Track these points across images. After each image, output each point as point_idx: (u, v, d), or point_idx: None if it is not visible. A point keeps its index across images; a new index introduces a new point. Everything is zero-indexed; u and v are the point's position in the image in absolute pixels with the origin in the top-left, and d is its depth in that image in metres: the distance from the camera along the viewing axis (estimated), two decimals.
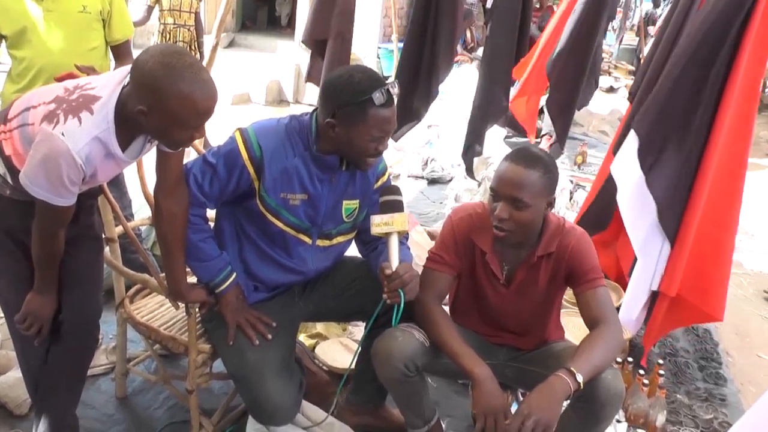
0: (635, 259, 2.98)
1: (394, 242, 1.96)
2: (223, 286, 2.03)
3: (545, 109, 7.22)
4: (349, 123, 1.91)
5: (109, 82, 1.76)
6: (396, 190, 2.02)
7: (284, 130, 2.01)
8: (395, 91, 1.93)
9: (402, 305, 1.93)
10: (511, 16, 4.21)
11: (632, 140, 2.87)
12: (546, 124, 7.22)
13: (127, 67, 1.75)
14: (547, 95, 5.89)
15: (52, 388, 2.08)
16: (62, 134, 1.65)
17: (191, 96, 1.64)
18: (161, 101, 1.64)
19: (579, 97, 5.35)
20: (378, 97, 1.87)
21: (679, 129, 2.76)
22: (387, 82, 1.93)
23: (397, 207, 1.97)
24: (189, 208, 1.99)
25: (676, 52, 2.84)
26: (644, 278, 2.90)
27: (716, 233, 2.81)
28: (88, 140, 1.68)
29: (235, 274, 2.06)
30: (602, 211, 3.48)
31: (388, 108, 1.91)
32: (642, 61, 4.01)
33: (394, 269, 1.93)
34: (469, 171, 4.39)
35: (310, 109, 2.07)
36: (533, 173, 1.93)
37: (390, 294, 1.93)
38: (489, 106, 4.22)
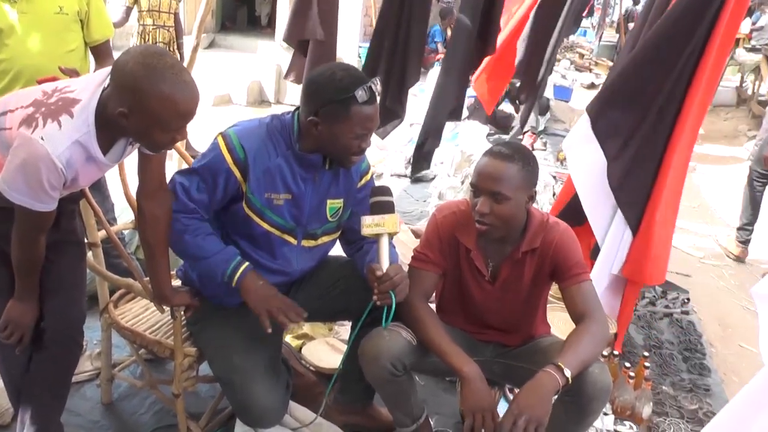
0: (596, 244, 3.02)
1: (384, 244, 1.96)
2: (236, 276, 1.97)
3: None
4: (332, 121, 1.90)
5: (89, 85, 1.74)
6: (387, 191, 2.01)
7: (266, 130, 2.01)
8: (378, 88, 1.93)
9: (393, 306, 1.93)
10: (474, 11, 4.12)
11: (584, 121, 2.90)
12: (526, 119, 7.27)
13: (107, 69, 1.73)
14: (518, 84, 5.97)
15: (35, 397, 2.04)
16: (41, 138, 1.63)
17: (172, 97, 1.63)
18: (142, 103, 1.62)
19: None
20: (361, 94, 1.87)
21: (642, 119, 2.79)
22: (369, 79, 1.93)
23: (388, 208, 1.97)
24: (180, 214, 1.97)
25: (643, 43, 2.87)
26: (605, 263, 2.94)
27: (668, 215, 2.91)
28: (68, 144, 1.66)
29: (246, 264, 1.99)
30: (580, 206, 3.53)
31: (371, 105, 1.91)
32: None
33: (384, 271, 1.92)
34: (417, 167, 4.23)
35: (291, 109, 2.06)
36: (512, 166, 1.94)
37: (380, 296, 1.93)
38: (441, 101, 4.12)
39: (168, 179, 2.01)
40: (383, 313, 1.96)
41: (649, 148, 2.81)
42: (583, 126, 2.91)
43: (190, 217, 1.98)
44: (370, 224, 1.95)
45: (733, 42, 2.75)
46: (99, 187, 2.86)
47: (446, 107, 4.21)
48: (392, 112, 4.31)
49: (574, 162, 2.98)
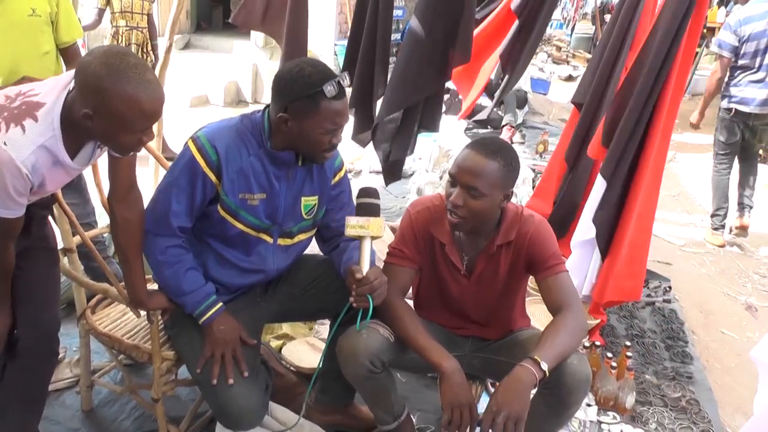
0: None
1: (366, 246, 1.94)
2: (204, 318, 1.99)
3: (504, 100, 7.30)
4: (302, 116, 1.89)
5: (54, 88, 1.71)
6: (374, 193, 2.00)
7: (237, 130, 1.99)
8: (346, 83, 1.93)
9: (371, 310, 1.91)
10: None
11: (600, 186, 2.93)
12: (506, 115, 7.29)
13: (72, 72, 1.71)
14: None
15: (10, 408, 2.01)
16: (5, 144, 1.60)
17: (136, 97, 1.60)
18: (106, 103, 1.59)
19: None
20: (329, 89, 1.86)
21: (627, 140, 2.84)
22: (338, 74, 1.92)
23: (373, 211, 1.96)
24: (162, 239, 1.97)
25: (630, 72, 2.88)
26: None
27: (639, 238, 2.94)
28: (33, 149, 1.63)
29: (218, 305, 2.01)
30: (563, 217, 3.54)
31: (340, 100, 1.90)
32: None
33: (364, 274, 1.91)
34: (388, 179, 4.08)
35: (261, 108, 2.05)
36: (492, 164, 1.93)
37: (357, 298, 1.92)
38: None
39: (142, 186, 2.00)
40: (359, 314, 1.95)
41: (618, 174, 2.88)
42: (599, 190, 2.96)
43: (173, 246, 1.98)
44: (354, 225, 1.93)
45: (696, 43, 2.77)
46: (80, 191, 2.84)
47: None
48: (369, 118, 4.21)
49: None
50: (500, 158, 1.95)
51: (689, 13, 2.62)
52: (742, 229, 5.06)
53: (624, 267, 2.90)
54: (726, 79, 4.81)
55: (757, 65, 4.63)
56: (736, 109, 4.75)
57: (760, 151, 5.30)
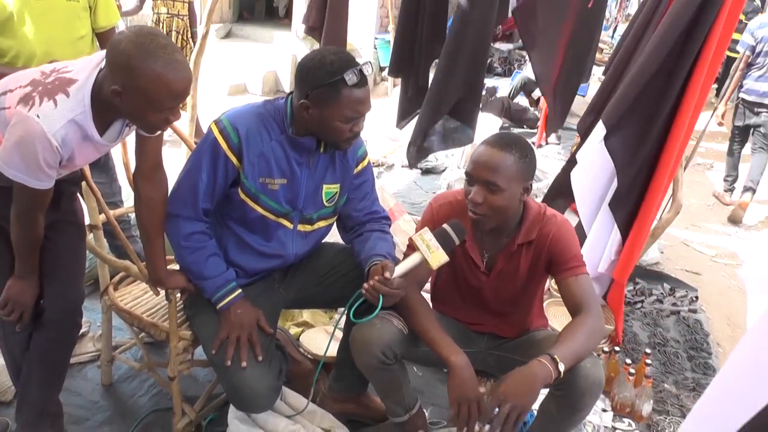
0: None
1: (414, 261, 1.94)
2: (222, 303, 2.02)
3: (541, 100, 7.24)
4: (323, 104, 1.91)
5: (86, 66, 1.76)
6: (461, 233, 1.95)
7: (259, 114, 2.01)
8: (368, 71, 1.93)
9: (377, 311, 1.90)
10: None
11: (599, 130, 2.84)
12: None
13: (104, 51, 1.75)
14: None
15: (34, 375, 2.08)
16: (37, 116, 1.65)
17: (164, 76, 1.64)
18: (134, 81, 1.64)
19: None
20: (350, 77, 1.87)
21: (644, 121, 2.76)
22: (360, 63, 1.93)
23: (448, 245, 1.92)
24: (185, 222, 2.01)
25: (647, 46, 2.81)
26: (591, 261, 2.90)
27: (651, 216, 2.91)
28: (63, 123, 1.68)
29: (237, 292, 2.04)
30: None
31: (361, 88, 1.91)
32: None
33: (392, 277, 1.91)
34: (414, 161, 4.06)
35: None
36: (508, 157, 1.92)
37: (371, 290, 1.91)
38: (441, 102, 3.65)
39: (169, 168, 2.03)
40: (356, 304, 1.95)
41: (642, 151, 2.80)
42: (597, 136, 2.86)
43: (194, 233, 2.01)
44: (424, 239, 1.91)
45: (728, 44, 2.73)
46: (107, 170, 2.89)
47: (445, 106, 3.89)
48: (414, 103, 4.23)
49: (582, 166, 2.93)
50: (515, 151, 1.93)
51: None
52: (742, 207, 5.70)
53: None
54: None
55: (764, 64, 5.58)
56: (744, 99, 5.74)
57: None
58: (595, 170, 2.86)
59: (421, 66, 4.17)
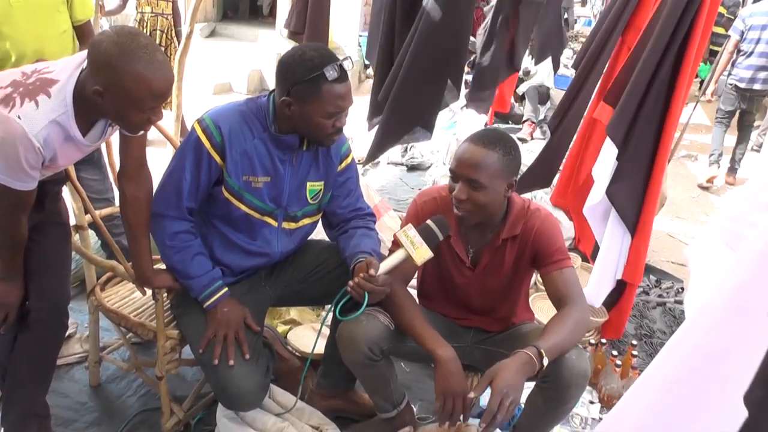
0: (596, 245, 3.01)
1: (398, 257, 1.94)
2: (208, 302, 2.03)
3: (526, 96, 7.27)
4: (304, 100, 1.91)
5: (68, 66, 1.75)
6: (445, 229, 1.96)
7: (241, 112, 2.01)
8: (349, 66, 1.93)
9: (362, 308, 1.91)
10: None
11: (610, 148, 2.86)
12: (527, 109, 7.26)
13: (86, 51, 1.74)
14: None
15: (20, 377, 2.07)
16: (18, 117, 1.65)
17: (146, 76, 1.64)
18: (116, 81, 1.64)
19: None
20: (330, 72, 1.87)
21: (642, 124, 2.78)
22: (340, 58, 1.93)
23: (432, 241, 1.93)
24: (170, 222, 2.00)
25: (643, 55, 2.82)
26: (609, 267, 2.92)
27: (654, 213, 2.92)
28: (45, 123, 1.68)
29: (224, 290, 2.04)
30: (545, 166, 3.56)
31: (342, 83, 1.91)
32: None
33: (377, 274, 1.91)
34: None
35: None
36: (491, 154, 1.92)
37: (356, 287, 1.91)
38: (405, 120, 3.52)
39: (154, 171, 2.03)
40: (343, 301, 1.95)
41: (641, 150, 2.80)
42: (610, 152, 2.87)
43: (182, 232, 2.01)
44: (409, 236, 1.92)
45: (707, 43, 2.77)
46: (99, 167, 2.90)
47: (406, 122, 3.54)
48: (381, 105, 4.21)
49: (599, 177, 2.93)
50: (499, 148, 1.94)
51: None
52: (730, 184, 6.42)
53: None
54: (733, 60, 6.14)
55: (751, 51, 5.94)
56: (735, 85, 6.11)
57: (755, 122, 6.76)
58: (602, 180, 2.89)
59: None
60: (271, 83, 8.77)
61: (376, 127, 3.45)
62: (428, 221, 1.96)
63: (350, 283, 1.92)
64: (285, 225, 2.13)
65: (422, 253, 1.91)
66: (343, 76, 1.91)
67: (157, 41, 5.48)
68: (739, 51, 6.05)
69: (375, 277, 1.90)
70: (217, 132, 1.96)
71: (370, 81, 8.47)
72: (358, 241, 2.13)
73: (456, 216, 2.01)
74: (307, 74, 1.88)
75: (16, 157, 1.67)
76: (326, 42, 3.91)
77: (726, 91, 6.25)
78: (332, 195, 2.20)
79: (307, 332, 2.77)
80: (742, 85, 6.04)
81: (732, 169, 6.45)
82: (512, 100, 7.55)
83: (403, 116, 3.40)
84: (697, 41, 2.63)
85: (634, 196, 2.84)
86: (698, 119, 6.41)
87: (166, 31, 5.60)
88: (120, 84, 1.64)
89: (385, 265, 1.94)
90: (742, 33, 5.97)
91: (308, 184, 2.11)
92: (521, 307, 2.26)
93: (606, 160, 2.87)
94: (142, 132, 1.93)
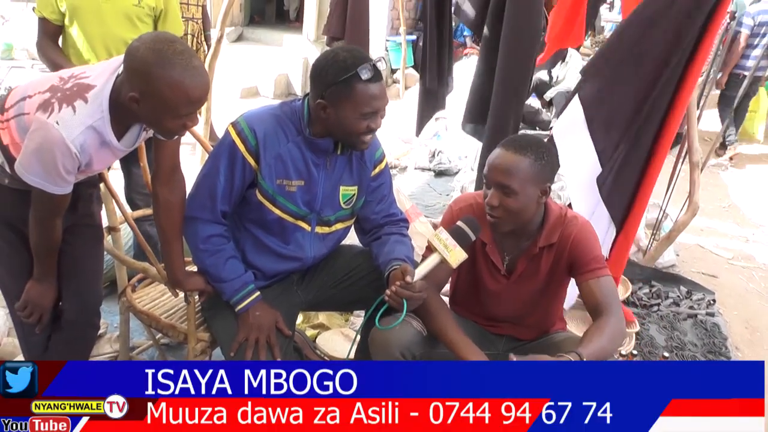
0: None
1: (433, 262, 1.92)
2: (240, 306, 2.02)
3: (553, 101, 7.21)
4: (338, 102, 1.90)
5: (104, 71, 1.76)
6: (477, 229, 1.95)
7: (276, 116, 2.01)
8: (382, 66, 1.93)
9: (402, 315, 1.89)
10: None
11: (576, 107, 2.78)
12: (554, 115, 7.19)
13: (122, 57, 1.75)
14: None
15: None
16: (56, 123, 1.66)
17: (181, 82, 1.64)
18: (152, 87, 1.64)
19: None
20: (364, 72, 1.87)
21: (634, 117, 2.72)
22: (373, 58, 1.93)
23: (465, 241, 1.92)
24: (203, 225, 2.01)
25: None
26: None
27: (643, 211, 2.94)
28: (82, 129, 1.68)
29: (256, 294, 2.04)
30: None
31: (376, 83, 1.90)
32: None
33: (414, 281, 1.89)
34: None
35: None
36: (523, 160, 1.91)
37: (393, 296, 1.89)
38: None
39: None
40: (381, 311, 1.93)
41: (637, 147, 2.76)
42: (575, 113, 2.79)
43: (215, 236, 2.01)
44: (441, 239, 1.90)
45: (712, 43, 2.75)
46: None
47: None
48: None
49: (564, 149, 2.81)
50: (531, 153, 1.92)
51: None
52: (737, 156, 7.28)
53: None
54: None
55: (757, 44, 6.76)
56: (742, 74, 6.87)
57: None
58: (578, 152, 2.80)
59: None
60: (298, 87, 8.84)
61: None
62: (458, 222, 1.95)
63: (387, 292, 1.90)
64: (318, 229, 2.12)
65: (456, 255, 1.89)
66: (377, 75, 1.90)
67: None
68: (748, 45, 6.82)
69: (412, 284, 1.88)
70: (252, 136, 1.96)
71: (397, 86, 8.51)
72: (391, 247, 2.11)
73: (489, 223, 1.99)
74: (340, 75, 1.87)
75: (53, 163, 1.68)
76: (367, 46, 3.90)
77: (733, 80, 7.03)
78: (365, 200, 2.19)
79: (335, 337, 2.76)
80: (746, 72, 6.84)
81: (723, 145, 7.26)
82: (539, 105, 7.51)
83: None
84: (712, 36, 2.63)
85: (625, 190, 2.81)
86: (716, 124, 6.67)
87: (195, 35, 5.64)
88: (156, 91, 1.64)
89: (420, 271, 1.92)
90: (752, 28, 6.76)
91: (341, 188, 2.10)
92: (555, 315, 2.23)
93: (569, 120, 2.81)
94: (175, 137, 1.93)
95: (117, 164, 2.74)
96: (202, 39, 5.70)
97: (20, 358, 2.42)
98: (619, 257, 2.88)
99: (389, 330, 1.96)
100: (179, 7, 3.01)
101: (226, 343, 2.03)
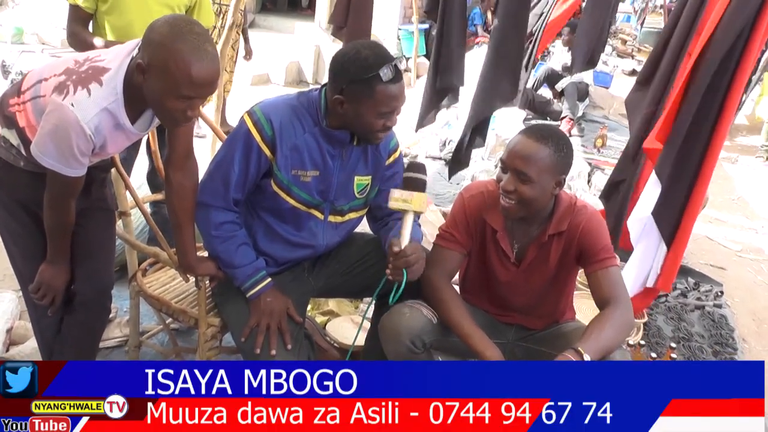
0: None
1: (408, 221, 1.95)
2: (252, 292, 2.03)
3: (565, 92, 7.19)
4: (357, 99, 1.90)
5: (119, 55, 1.77)
6: (421, 168, 1.99)
7: (292, 107, 2.01)
8: (403, 66, 1.92)
9: (403, 284, 1.92)
10: None
11: (654, 183, 2.80)
12: (565, 106, 7.18)
13: (137, 40, 1.76)
14: None
15: (65, 357, 2.11)
16: (72, 105, 1.67)
17: (188, 60, 1.64)
18: (159, 58, 1.65)
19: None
20: (385, 72, 1.86)
21: (691, 133, 2.69)
22: (395, 57, 1.92)
23: (419, 186, 1.95)
24: (216, 212, 2.01)
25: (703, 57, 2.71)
26: (640, 277, 2.87)
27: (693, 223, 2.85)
28: (97, 111, 1.70)
29: (267, 281, 2.05)
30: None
31: (396, 84, 1.90)
32: None
33: (402, 247, 1.92)
34: (455, 167, 4.11)
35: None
36: (543, 149, 1.91)
37: (393, 271, 1.93)
38: (493, 95, 3.70)
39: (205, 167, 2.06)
40: (393, 289, 1.95)
41: (687, 159, 2.72)
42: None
43: (227, 222, 2.02)
44: (397, 198, 1.94)
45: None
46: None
47: (495, 99, 3.89)
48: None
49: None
50: (551, 144, 1.92)
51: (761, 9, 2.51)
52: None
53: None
54: None
55: None
56: None
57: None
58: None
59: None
60: (309, 75, 8.84)
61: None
62: (404, 173, 2.00)
63: (387, 270, 1.94)
64: (331, 218, 2.13)
65: (419, 201, 1.93)
66: (397, 76, 1.90)
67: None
68: None
69: (402, 251, 1.90)
70: (269, 126, 1.96)
71: (409, 74, 8.48)
72: (396, 231, 2.12)
73: (502, 208, 2.00)
74: (361, 74, 1.87)
75: (68, 144, 1.69)
76: (368, 36, 3.90)
77: None
78: (379, 189, 2.19)
79: (345, 324, 2.77)
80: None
81: None
82: (551, 96, 7.49)
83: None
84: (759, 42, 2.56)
85: (675, 206, 2.78)
86: (739, 119, 6.41)
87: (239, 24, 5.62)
88: (162, 62, 1.64)
89: (404, 236, 1.94)
90: None
91: (356, 178, 2.10)
92: (565, 305, 2.24)
93: (651, 194, 2.83)
94: (179, 125, 1.93)
95: (143, 148, 2.78)
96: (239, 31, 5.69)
97: (32, 340, 2.44)
98: (669, 275, 2.84)
99: (400, 317, 1.98)
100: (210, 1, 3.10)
101: (237, 329, 2.04)
